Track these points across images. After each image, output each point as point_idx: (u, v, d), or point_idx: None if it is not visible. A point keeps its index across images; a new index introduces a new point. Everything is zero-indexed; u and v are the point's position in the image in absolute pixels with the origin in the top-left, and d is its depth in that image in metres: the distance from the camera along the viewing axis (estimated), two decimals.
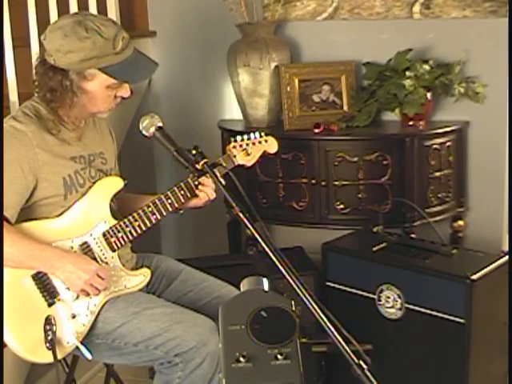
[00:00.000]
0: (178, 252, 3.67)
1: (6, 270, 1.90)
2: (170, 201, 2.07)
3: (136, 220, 2.04)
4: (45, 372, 2.70)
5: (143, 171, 3.57)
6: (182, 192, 2.09)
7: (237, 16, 3.22)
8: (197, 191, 2.11)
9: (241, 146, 2.22)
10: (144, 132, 1.95)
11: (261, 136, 2.26)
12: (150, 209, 2.05)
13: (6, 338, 1.91)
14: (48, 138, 1.98)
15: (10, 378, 2.50)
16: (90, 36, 1.90)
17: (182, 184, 2.09)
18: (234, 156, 2.19)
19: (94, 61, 1.91)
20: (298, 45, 3.34)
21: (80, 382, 2.83)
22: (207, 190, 2.11)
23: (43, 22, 2.61)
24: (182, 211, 2.16)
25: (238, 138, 2.22)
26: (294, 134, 3.12)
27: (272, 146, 2.28)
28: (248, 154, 2.22)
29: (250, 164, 2.25)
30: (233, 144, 2.22)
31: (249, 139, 2.23)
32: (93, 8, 2.97)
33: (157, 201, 2.06)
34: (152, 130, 1.93)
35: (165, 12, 3.52)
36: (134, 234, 2.05)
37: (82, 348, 1.96)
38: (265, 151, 2.27)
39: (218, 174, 1.73)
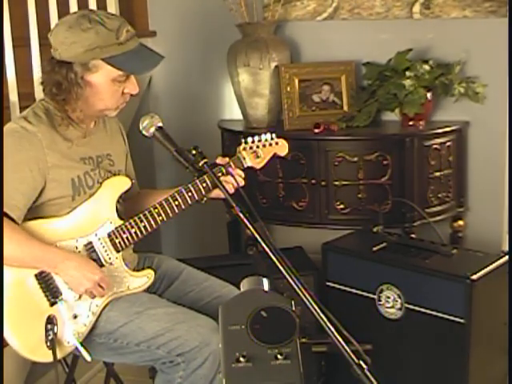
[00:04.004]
0: (178, 252, 3.66)
1: (9, 269, 1.90)
2: (176, 202, 2.04)
3: (142, 221, 2.02)
4: (45, 372, 2.70)
5: (143, 171, 3.56)
6: (190, 194, 2.05)
7: (237, 16, 3.22)
8: (224, 183, 2.00)
9: (251, 148, 2.16)
10: (144, 132, 1.95)
11: (272, 138, 2.20)
12: (156, 210, 2.02)
13: (7, 337, 1.91)
14: (57, 139, 1.97)
15: (10, 377, 2.50)
16: (93, 26, 1.90)
17: (189, 186, 2.05)
18: (244, 158, 2.15)
19: (98, 51, 1.91)
20: (297, 45, 3.34)
21: (80, 382, 2.83)
22: (233, 181, 2.04)
23: (43, 22, 2.62)
24: (203, 201, 2.11)
25: (249, 139, 2.16)
26: (294, 133, 3.11)
27: (282, 148, 2.22)
28: (258, 157, 2.17)
29: (259, 166, 2.19)
30: (243, 146, 2.16)
31: (259, 141, 2.17)
32: (93, 8, 2.97)
33: (163, 202, 2.04)
34: (152, 130, 1.93)
35: (165, 12, 3.52)
36: (140, 235, 2.03)
37: (82, 350, 1.96)
38: (275, 154, 2.21)
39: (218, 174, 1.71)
